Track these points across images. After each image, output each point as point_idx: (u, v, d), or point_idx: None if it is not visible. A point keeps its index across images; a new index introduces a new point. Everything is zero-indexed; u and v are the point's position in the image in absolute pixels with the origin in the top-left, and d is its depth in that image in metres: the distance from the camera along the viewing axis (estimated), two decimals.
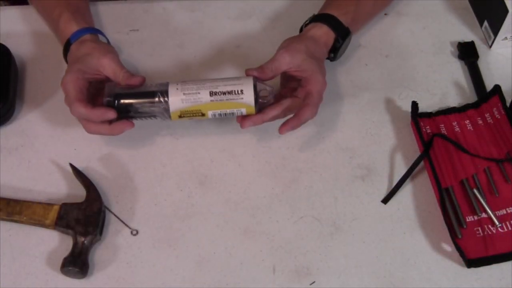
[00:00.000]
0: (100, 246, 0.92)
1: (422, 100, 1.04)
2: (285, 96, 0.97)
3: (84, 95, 0.93)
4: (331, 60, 1.05)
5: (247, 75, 0.95)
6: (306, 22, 1.03)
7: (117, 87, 0.94)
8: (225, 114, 0.94)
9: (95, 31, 1.01)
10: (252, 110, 0.93)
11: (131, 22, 1.13)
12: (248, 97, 0.92)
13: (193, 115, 0.93)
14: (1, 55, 1.04)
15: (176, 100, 0.92)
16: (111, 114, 0.91)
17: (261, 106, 0.94)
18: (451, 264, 0.91)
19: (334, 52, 1.02)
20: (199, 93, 0.92)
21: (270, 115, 0.94)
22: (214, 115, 0.94)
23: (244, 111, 0.93)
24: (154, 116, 0.94)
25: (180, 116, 0.93)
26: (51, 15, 1.02)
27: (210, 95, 0.92)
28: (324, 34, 1.00)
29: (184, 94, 0.92)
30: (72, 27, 0.98)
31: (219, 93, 0.92)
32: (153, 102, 0.93)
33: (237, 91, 0.92)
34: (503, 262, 0.90)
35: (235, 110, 0.93)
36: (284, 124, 0.94)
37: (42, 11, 1.08)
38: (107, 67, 0.94)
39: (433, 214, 0.95)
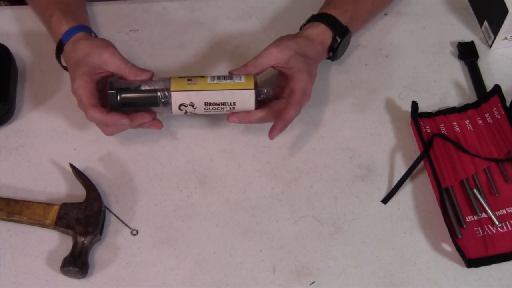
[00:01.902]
0: (100, 246, 0.92)
1: (422, 100, 1.04)
2: (278, 95, 0.97)
3: (96, 98, 0.93)
4: (331, 60, 1.05)
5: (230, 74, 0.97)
6: (304, 23, 1.03)
7: (121, 80, 0.95)
8: (224, 77, 0.95)
9: (86, 29, 0.99)
10: (251, 78, 0.94)
11: (131, 22, 1.13)
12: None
13: (192, 76, 0.95)
14: (1, 55, 1.04)
15: (176, 79, 0.95)
16: (125, 121, 0.92)
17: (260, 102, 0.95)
18: (451, 264, 0.91)
19: (333, 51, 1.02)
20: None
21: (255, 116, 0.94)
22: (213, 77, 0.94)
23: (243, 77, 0.95)
24: (156, 105, 0.94)
25: (179, 77, 0.94)
26: (44, 16, 1.02)
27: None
28: (320, 33, 1.00)
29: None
30: (62, 27, 0.98)
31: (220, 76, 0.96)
32: (156, 91, 0.93)
33: (237, 76, 0.96)
34: (503, 262, 0.91)
35: (235, 73, 0.96)
36: (272, 129, 0.94)
37: (37, 12, 1.08)
38: (110, 63, 0.94)
39: (433, 214, 0.95)
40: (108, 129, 0.95)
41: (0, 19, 1.12)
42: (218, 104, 0.94)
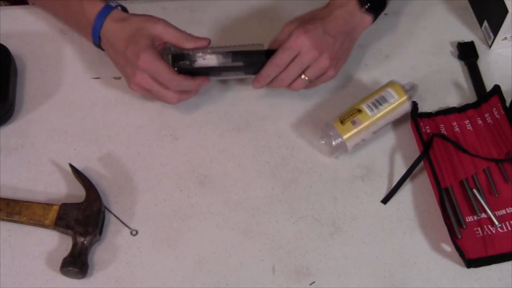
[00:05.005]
0: (99, 246, 0.92)
1: (422, 100, 1.04)
2: None
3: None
4: (374, 14, 1.00)
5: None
6: None
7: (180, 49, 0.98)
8: (380, 103, 1.00)
9: (120, 6, 1.01)
10: (399, 89, 1.01)
11: None
12: None
13: (355, 117, 0.99)
14: (0, 55, 1.03)
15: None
16: (208, 81, 0.98)
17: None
18: (451, 264, 0.91)
19: (365, 2, 0.98)
20: None
21: (263, 74, 0.97)
22: (371, 107, 0.99)
23: (394, 94, 1.00)
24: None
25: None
26: (69, 4, 1.02)
27: None
28: None
29: None
30: (98, 5, 0.98)
31: None
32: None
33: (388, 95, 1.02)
34: (503, 262, 0.91)
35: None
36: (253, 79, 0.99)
37: (53, 4, 1.07)
38: (165, 33, 0.96)
39: (433, 214, 0.95)
40: (184, 95, 0.98)
41: (0, 19, 1.12)
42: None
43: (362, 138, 0.98)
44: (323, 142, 1.00)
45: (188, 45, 0.96)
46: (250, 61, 0.98)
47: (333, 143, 0.97)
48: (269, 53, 0.98)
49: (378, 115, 0.98)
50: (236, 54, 0.98)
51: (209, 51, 0.97)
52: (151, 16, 0.98)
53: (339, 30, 0.98)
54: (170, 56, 0.97)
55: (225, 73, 0.99)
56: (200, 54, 0.97)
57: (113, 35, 0.97)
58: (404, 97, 0.99)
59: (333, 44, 0.97)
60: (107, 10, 0.97)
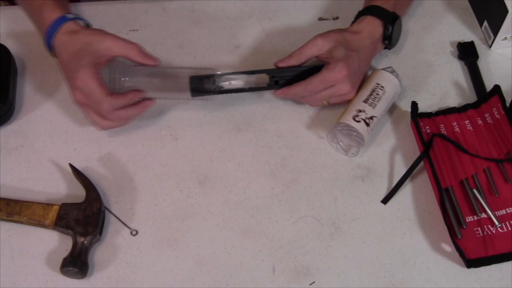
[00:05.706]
0: (99, 246, 0.92)
1: (422, 100, 1.04)
2: None
3: (106, 86, 0.93)
4: (388, 48, 1.06)
5: (275, 66, 1.00)
6: (352, 21, 1.04)
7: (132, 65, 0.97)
8: None
9: (77, 18, 0.99)
10: None
11: (131, 22, 1.13)
12: None
13: None
14: (1, 55, 1.04)
15: None
16: (140, 94, 0.96)
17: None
18: (451, 264, 0.91)
19: (388, 39, 1.03)
20: None
21: (292, 91, 0.98)
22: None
23: None
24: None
25: None
26: (32, 4, 1.01)
27: None
28: (367, 24, 1.01)
29: None
30: (56, 13, 0.97)
31: None
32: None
33: None
34: (503, 262, 0.91)
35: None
36: (277, 90, 1.00)
37: (24, 3, 1.07)
38: (114, 47, 0.94)
39: (433, 214, 0.95)
40: (121, 112, 0.95)
41: (0, 19, 1.12)
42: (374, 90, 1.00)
43: (358, 109, 0.97)
44: (334, 144, 1.00)
45: (137, 58, 0.95)
46: (277, 81, 1.00)
47: (335, 131, 0.98)
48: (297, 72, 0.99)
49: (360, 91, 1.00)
50: (265, 73, 0.99)
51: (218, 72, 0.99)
52: (101, 31, 0.97)
53: (367, 63, 1.03)
54: (188, 77, 0.98)
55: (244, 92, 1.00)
56: (226, 76, 0.98)
57: (61, 47, 0.96)
58: (378, 70, 1.02)
59: (361, 77, 1.01)
60: (61, 21, 0.97)
